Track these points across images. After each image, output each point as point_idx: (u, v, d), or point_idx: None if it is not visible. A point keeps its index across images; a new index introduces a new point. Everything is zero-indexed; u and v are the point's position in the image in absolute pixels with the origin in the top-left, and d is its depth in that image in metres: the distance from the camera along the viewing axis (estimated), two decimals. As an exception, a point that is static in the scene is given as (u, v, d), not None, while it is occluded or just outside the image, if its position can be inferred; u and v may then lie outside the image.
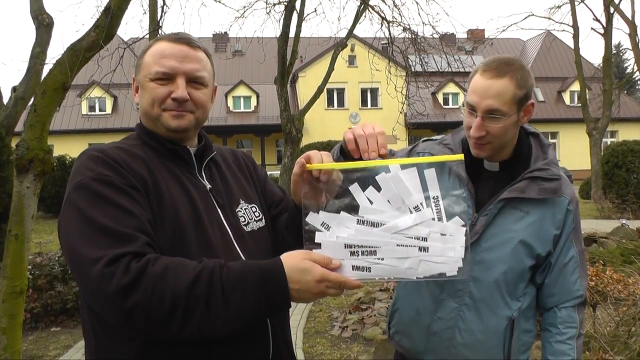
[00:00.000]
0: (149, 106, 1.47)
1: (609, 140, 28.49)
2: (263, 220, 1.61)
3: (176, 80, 1.45)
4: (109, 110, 33.13)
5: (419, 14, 20.00)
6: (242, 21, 28.44)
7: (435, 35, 12.56)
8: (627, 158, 16.33)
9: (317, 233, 1.28)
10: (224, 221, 1.48)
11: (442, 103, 35.28)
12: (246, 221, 1.55)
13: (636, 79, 32.69)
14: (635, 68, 22.69)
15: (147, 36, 9.24)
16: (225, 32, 27.24)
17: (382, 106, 32.91)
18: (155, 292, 1.18)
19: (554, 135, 36.48)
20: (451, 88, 35.11)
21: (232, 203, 1.55)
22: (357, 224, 1.27)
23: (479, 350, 1.79)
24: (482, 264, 1.74)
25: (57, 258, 6.64)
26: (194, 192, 1.46)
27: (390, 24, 13.03)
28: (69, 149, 22.10)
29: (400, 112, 12.93)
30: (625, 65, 47.39)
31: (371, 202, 1.28)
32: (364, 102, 34.96)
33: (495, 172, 1.80)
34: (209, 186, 1.52)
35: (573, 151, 34.15)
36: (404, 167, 1.30)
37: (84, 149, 1.46)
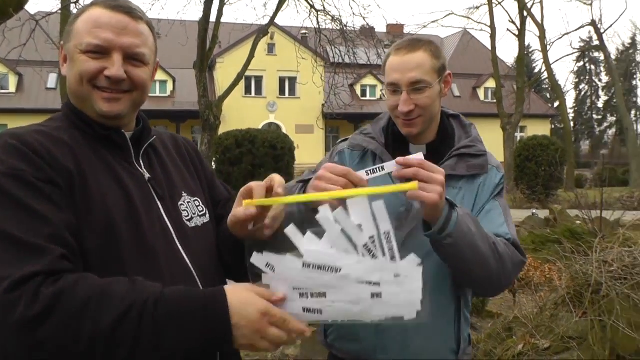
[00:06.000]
0: (77, 82, 1.29)
1: (518, 135, 30.08)
2: (207, 215, 1.46)
3: (112, 56, 1.27)
4: (12, 89, 30.97)
5: (349, 4, 20.17)
6: (165, 1, 27.39)
7: (367, 26, 12.77)
8: (537, 152, 17.32)
9: (263, 275, 1.17)
10: (164, 216, 1.32)
11: (360, 95, 35.78)
12: (189, 216, 1.39)
13: (543, 78, 34.69)
14: (544, 68, 24.01)
15: (60, 11, 8.68)
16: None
17: (300, 96, 33.03)
18: (72, 328, 1.01)
19: (468, 129, 38.03)
20: (369, 80, 35.67)
21: (174, 195, 1.39)
22: (303, 267, 1.14)
23: (431, 336, 1.77)
24: (424, 248, 1.68)
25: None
26: (130, 183, 1.28)
27: (319, 13, 12.99)
28: (-35, 129, 20.40)
29: (325, 104, 13.03)
30: (534, 65, 50.21)
31: (314, 246, 1.15)
32: (282, 91, 34.92)
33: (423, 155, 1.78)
34: (147, 175, 1.34)
35: (487, 144, 34.78)
36: (350, 199, 1.17)
37: (-20, 129, 1.23)
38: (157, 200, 1.33)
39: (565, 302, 3.92)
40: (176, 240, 1.31)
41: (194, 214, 1.41)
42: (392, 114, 1.77)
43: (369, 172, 1.43)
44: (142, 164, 1.37)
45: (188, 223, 1.37)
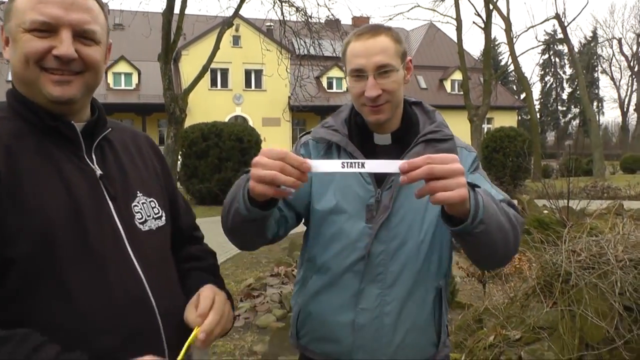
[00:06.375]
0: (22, 65, 1.16)
1: (486, 127, 30.48)
2: (163, 218, 1.36)
3: (59, 34, 1.16)
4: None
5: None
6: (126, -8, 26.88)
7: (332, 18, 12.69)
8: (504, 143, 17.59)
9: None
10: (115, 217, 1.22)
11: (326, 87, 35.74)
12: (143, 218, 1.29)
13: (510, 70, 35.23)
14: (510, 60, 24.31)
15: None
16: (105, 4, 25.52)
17: (266, 88, 32.88)
18: None
19: (436, 121, 38.43)
20: (335, 72, 35.57)
21: (128, 195, 1.29)
22: None
23: (411, 331, 1.69)
24: (398, 238, 1.65)
25: None
26: (77, 181, 1.17)
27: (284, 4, 12.83)
28: None
29: (291, 96, 12.93)
30: (500, 58, 50.93)
31: None
32: (247, 84, 34.66)
33: (388, 145, 1.76)
34: (99, 172, 1.23)
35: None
36: None
37: None
38: (108, 200, 1.23)
39: (535, 292, 3.87)
40: (127, 245, 1.22)
41: (149, 216, 1.32)
42: (358, 102, 1.70)
43: (345, 164, 1.28)
44: (94, 158, 1.25)
45: (141, 226, 1.28)
